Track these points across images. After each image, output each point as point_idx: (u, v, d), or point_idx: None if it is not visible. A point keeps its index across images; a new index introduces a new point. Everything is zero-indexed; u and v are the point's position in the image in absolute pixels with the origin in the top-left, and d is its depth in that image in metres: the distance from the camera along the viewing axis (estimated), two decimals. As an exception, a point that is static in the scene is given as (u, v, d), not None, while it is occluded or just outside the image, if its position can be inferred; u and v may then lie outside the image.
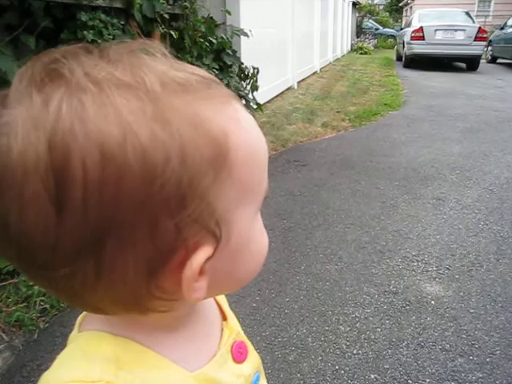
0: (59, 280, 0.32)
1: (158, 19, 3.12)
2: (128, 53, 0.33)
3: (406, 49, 12.76)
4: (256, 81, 4.15)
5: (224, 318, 0.48)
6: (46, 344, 1.76)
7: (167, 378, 0.38)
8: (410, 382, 1.60)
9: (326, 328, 1.87)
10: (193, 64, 0.36)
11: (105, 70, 0.30)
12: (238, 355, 0.44)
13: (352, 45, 20.77)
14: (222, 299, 0.50)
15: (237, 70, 4.02)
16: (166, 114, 0.30)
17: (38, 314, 1.90)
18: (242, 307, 1.95)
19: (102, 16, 2.52)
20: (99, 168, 0.28)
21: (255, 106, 4.09)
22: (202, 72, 0.35)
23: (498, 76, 10.89)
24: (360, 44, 19.87)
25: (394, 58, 15.52)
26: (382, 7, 38.38)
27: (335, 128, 5.29)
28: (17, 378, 1.61)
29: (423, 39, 11.94)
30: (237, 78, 3.97)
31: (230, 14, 4.35)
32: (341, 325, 1.89)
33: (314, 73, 10.69)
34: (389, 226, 2.80)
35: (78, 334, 0.40)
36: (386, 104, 6.69)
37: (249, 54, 4.76)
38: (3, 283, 2.03)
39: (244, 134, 0.34)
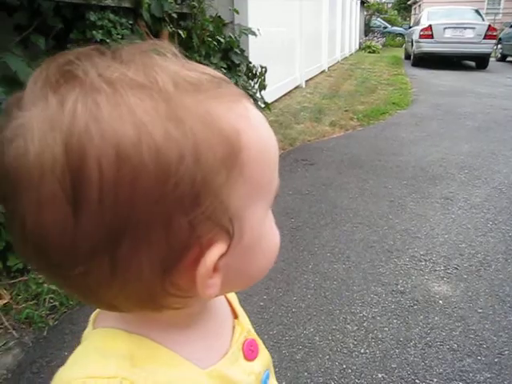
0: (75, 278, 0.33)
1: (167, 18, 3.13)
2: (140, 53, 0.33)
3: (414, 47, 12.68)
4: (264, 80, 4.15)
5: (235, 315, 0.48)
6: (56, 341, 1.78)
7: (180, 375, 0.38)
8: (417, 381, 1.59)
9: (334, 327, 1.87)
10: (201, 63, 0.36)
11: (118, 70, 0.31)
12: (249, 353, 0.45)
13: (360, 43, 20.69)
14: (233, 297, 0.50)
15: (245, 68, 4.03)
16: (179, 113, 0.30)
17: (48, 312, 1.92)
18: (249, 306, 1.95)
19: (111, 16, 2.53)
20: (115, 168, 0.28)
21: (263, 105, 4.09)
22: (213, 71, 0.35)
23: (507, 74, 10.81)
24: (368, 43, 19.78)
25: (403, 56, 15.43)
26: (390, 5, 38.23)
27: (343, 127, 5.27)
28: (27, 374, 1.62)
29: (432, 37, 11.85)
30: (245, 77, 3.97)
31: (237, 13, 4.35)
32: (348, 324, 1.89)
33: (322, 71, 10.66)
34: (397, 225, 2.79)
35: (92, 331, 0.40)
36: (394, 103, 6.67)
37: (257, 52, 4.76)
38: (13, 281, 2.05)
39: (255, 132, 0.34)
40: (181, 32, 3.29)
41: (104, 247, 0.30)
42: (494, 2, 26.25)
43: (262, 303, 2.00)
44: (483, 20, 12.53)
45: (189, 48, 3.40)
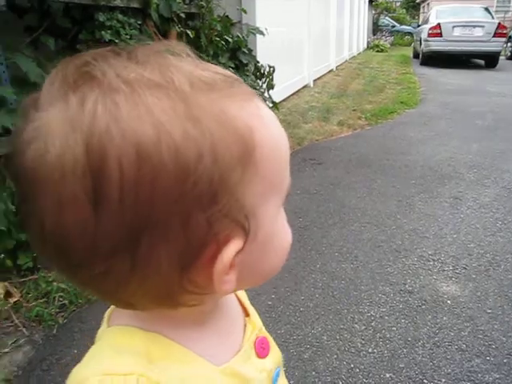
0: (95, 278, 0.33)
1: (175, 18, 3.14)
2: (155, 54, 0.33)
3: (423, 46, 12.61)
4: (272, 79, 4.15)
5: (246, 314, 0.49)
6: (65, 339, 1.80)
7: (194, 372, 0.38)
8: (425, 381, 1.59)
9: (342, 326, 1.87)
10: (209, 63, 0.37)
11: (135, 71, 0.31)
12: (261, 350, 0.45)
13: (368, 42, 20.61)
14: (243, 295, 0.51)
15: (253, 68, 4.03)
16: (195, 112, 0.30)
17: (57, 310, 1.94)
18: (257, 305, 1.94)
19: (120, 16, 2.55)
20: (135, 168, 0.29)
21: (271, 105, 4.09)
22: (225, 71, 0.35)
23: (517, 73, 10.72)
24: (376, 41, 19.71)
25: (411, 55, 15.35)
26: (398, 4, 38.00)
27: (351, 126, 5.26)
28: (37, 371, 1.64)
29: (441, 36, 11.77)
30: (253, 77, 3.98)
31: (245, 12, 4.36)
32: (356, 323, 1.89)
33: (330, 71, 10.64)
34: (405, 225, 2.78)
35: (107, 329, 0.41)
36: (402, 102, 6.64)
37: (264, 52, 4.76)
38: (23, 279, 2.07)
39: (267, 130, 0.35)
40: (189, 32, 3.30)
41: (124, 246, 0.31)
42: (503, -1, 26.03)
43: (270, 302, 2.00)
44: (493, 18, 12.43)
45: (197, 48, 3.41)
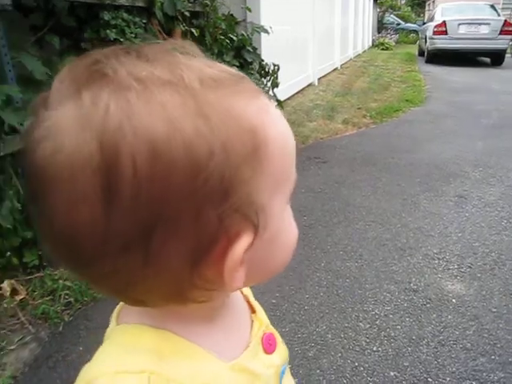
0: (105, 275, 0.33)
1: (179, 17, 3.15)
2: (164, 52, 0.34)
3: (428, 44, 12.55)
4: (276, 78, 4.15)
5: (252, 310, 0.49)
6: (71, 336, 1.81)
7: (203, 368, 0.38)
8: (429, 380, 1.59)
9: (346, 325, 1.87)
10: None
11: (145, 69, 0.31)
12: (268, 346, 0.45)
13: (373, 40, 20.55)
14: (249, 292, 0.51)
15: (257, 66, 4.03)
16: (205, 109, 0.31)
17: (63, 308, 1.95)
18: (261, 303, 1.95)
19: (125, 15, 2.56)
20: (148, 165, 0.29)
21: (275, 103, 4.09)
22: (231, 69, 0.36)
23: (523, 71, 10.66)
24: (381, 39, 19.63)
25: (416, 53, 15.30)
26: (403, 2, 37.84)
27: (356, 125, 5.25)
28: (43, 368, 1.65)
29: (446, 34, 11.71)
30: (257, 75, 3.98)
31: (250, 11, 4.36)
32: (360, 322, 1.89)
33: (335, 69, 10.62)
34: (410, 224, 2.78)
35: (117, 328, 0.40)
36: (407, 100, 6.62)
37: (269, 50, 4.76)
38: (29, 277, 2.08)
39: (274, 127, 0.35)
40: (193, 30, 3.31)
41: (136, 243, 0.31)
42: (509, -3, 25.84)
43: (274, 301, 2.00)
44: (499, 15, 12.34)
45: (201, 46, 3.40)
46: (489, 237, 2.60)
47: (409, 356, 1.70)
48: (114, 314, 0.42)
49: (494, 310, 1.95)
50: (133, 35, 2.57)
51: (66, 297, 2.00)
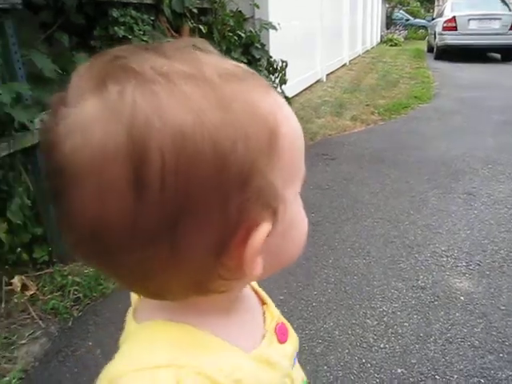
0: (130, 265, 0.34)
1: (187, 14, 3.16)
2: (181, 49, 0.35)
3: (437, 40, 12.42)
4: (284, 74, 4.15)
5: (263, 302, 0.50)
6: (80, 331, 1.83)
7: (227, 360, 0.38)
8: (437, 377, 1.59)
9: (354, 321, 1.87)
10: None
11: (166, 63, 0.32)
12: (281, 336, 0.46)
13: (382, 36, 20.41)
14: (256, 285, 0.52)
15: (265, 63, 4.03)
16: (226, 101, 0.31)
17: (72, 303, 1.97)
18: (269, 300, 1.96)
19: (133, 12, 2.57)
20: (176, 156, 0.29)
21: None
22: (242, 65, 0.37)
23: (534, 67, 10.54)
24: (390, 35, 19.49)
25: (425, 49, 15.17)
26: (413, -3, 37.51)
27: (364, 121, 5.23)
28: (53, 362, 1.67)
29: (456, 29, 11.57)
30: (265, 72, 3.98)
31: (258, 7, 4.35)
32: (368, 319, 1.89)
33: (343, 65, 10.57)
34: (418, 221, 2.77)
35: (139, 326, 0.40)
36: (416, 97, 6.57)
37: (277, 47, 4.75)
38: (39, 272, 2.11)
39: (286, 120, 0.36)
40: (201, 27, 3.31)
41: (162, 234, 0.31)
42: (521, -9, 25.54)
43: (281, 297, 2.01)
44: (510, 10, 12.18)
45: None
46: (498, 234, 2.59)
47: (416, 353, 1.69)
48: (130, 315, 0.42)
49: (503, 307, 1.94)
50: (141, 32, 2.58)
51: (75, 292, 2.02)
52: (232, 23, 3.67)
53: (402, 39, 19.52)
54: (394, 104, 6.07)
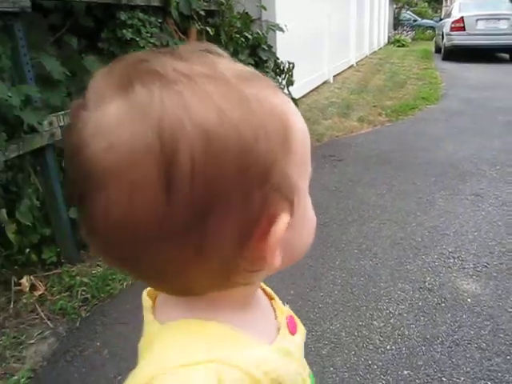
0: (157, 265, 0.34)
1: (195, 16, 3.17)
2: (196, 52, 0.36)
3: (445, 40, 12.35)
4: (291, 75, 4.15)
5: (270, 297, 0.51)
6: (88, 332, 1.84)
7: (254, 353, 0.39)
8: (443, 379, 1.58)
9: (360, 323, 1.88)
10: None
11: (185, 66, 0.33)
12: (292, 328, 0.48)
13: (389, 37, 20.34)
14: (262, 282, 0.53)
15: (272, 65, 4.04)
16: (246, 100, 0.33)
17: (80, 304, 1.99)
18: (275, 301, 1.97)
19: (140, 15, 2.58)
20: (204, 154, 0.30)
21: (290, 101, 4.09)
22: (250, 68, 0.38)
23: (543, 67, 10.46)
24: (397, 36, 19.42)
25: (433, 49, 15.10)
26: (420, -2, 37.35)
27: (371, 123, 5.22)
28: (61, 362, 1.69)
29: (464, 30, 11.51)
30: (272, 73, 3.98)
31: (265, 9, 4.36)
32: (375, 320, 1.89)
33: (351, 66, 10.56)
34: (425, 222, 2.76)
35: (164, 327, 0.40)
36: (423, 98, 6.55)
37: (284, 48, 4.75)
38: (47, 273, 2.13)
39: (296, 117, 0.38)
40: (209, 29, 3.33)
41: (190, 232, 0.32)
42: (529, -9, 25.33)
43: (289, 298, 2.01)
44: (518, 10, 12.11)
45: (217, 45, 3.43)
46: (506, 236, 2.57)
47: (423, 355, 1.69)
48: (150, 317, 0.42)
49: (510, 309, 1.93)
50: (148, 35, 2.60)
51: (83, 293, 2.03)
52: (239, 25, 3.69)
53: (410, 40, 19.44)
54: (402, 105, 6.05)
